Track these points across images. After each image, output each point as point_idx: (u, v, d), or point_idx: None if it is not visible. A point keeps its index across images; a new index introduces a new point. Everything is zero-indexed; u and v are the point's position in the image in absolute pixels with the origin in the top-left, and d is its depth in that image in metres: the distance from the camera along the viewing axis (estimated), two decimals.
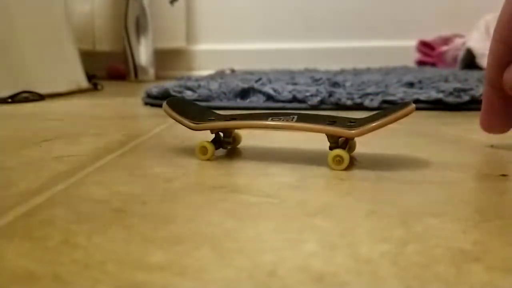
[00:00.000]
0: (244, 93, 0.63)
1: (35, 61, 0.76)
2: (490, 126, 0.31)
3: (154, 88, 0.66)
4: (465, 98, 0.56)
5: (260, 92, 0.62)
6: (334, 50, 1.42)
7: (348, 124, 0.29)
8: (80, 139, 0.38)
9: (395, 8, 1.41)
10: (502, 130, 0.32)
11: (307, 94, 0.60)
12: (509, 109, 0.30)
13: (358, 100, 0.58)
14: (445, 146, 0.35)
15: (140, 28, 1.30)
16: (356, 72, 0.93)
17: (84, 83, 0.90)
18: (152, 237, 0.17)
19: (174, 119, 0.31)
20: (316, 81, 0.69)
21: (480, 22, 1.09)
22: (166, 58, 1.46)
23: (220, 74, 0.96)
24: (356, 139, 0.30)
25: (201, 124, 0.30)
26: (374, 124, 0.27)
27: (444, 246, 0.16)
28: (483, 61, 1.03)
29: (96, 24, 1.35)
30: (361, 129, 0.27)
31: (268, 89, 0.62)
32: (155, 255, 0.16)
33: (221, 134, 0.32)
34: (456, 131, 0.42)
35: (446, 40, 1.24)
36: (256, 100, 0.62)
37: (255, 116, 0.33)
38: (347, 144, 0.29)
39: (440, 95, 0.57)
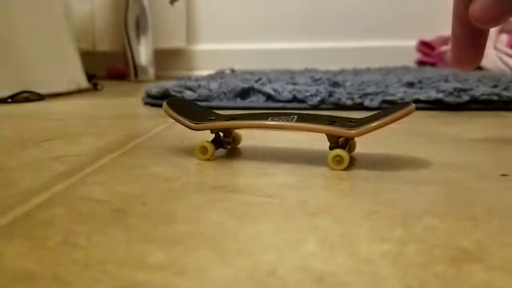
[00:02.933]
0: (244, 93, 0.63)
1: (35, 61, 0.76)
2: (460, 62, 0.31)
3: (154, 88, 0.65)
4: (465, 98, 0.56)
5: (260, 92, 0.62)
6: (334, 50, 1.42)
7: (348, 124, 0.29)
8: (80, 139, 0.38)
9: (395, 8, 1.41)
10: (472, 64, 0.31)
11: (307, 94, 0.60)
12: (476, 43, 0.30)
13: (358, 100, 0.58)
14: (445, 146, 0.35)
15: (140, 28, 1.30)
16: (356, 72, 0.93)
17: (84, 83, 0.90)
18: (152, 237, 0.17)
19: (174, 119, 0.31)
20: (316, 81, 0.69)
21: None
22: (166, 58, 1.46)
23: (220, 74, 0.96)
24: (356, 139, 0.30)
25: (201, 124, 0.30)
26: (374, 124, 0.27)
27: (444, 246, 0.16)
28: (483, 61, 1.03)
29: (96, 24, 1.35)
30: (361, 129, 0.27)
31: (268, 89, 0.62)
32: (155, 255, 0.16)
33: (221, 134, 0.32)
34: (456, 131, 0.42)
35: (446, 40, 1.24)
36: (256, 100, 0.62)
37: (255, 116, 0.33)
38: (347, 144, 0.29)
39: (440, 95, 0.57)
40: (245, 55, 1.45)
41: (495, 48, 1.04)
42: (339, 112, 0.54)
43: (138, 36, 1.30)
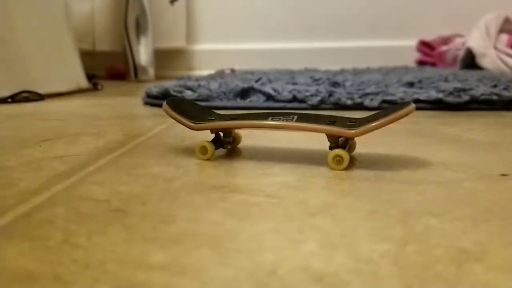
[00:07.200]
0: (244, 93, 0.63)
1: (35, 61, 0.76)
2: None
3: (154, 88, 0.65)
4: (465, 97, 0.56)
5: (260, 92, 0.62)
6: (334, 50, 1.42)
7: (348, 124, 0.29)
8: (80, 139, 0.38)
9: (395, 8, 1.41)
10: None
11: (307, 94, 0.60)
12: None
13: (358, 100, 0.58)
14: (445, 146, 0.35)
15: (140, 28, 1.30)
16: (356, 72, 0.93)
17: (84, 83, 0.90)
18: (152, 237, 0.17)
19: (174, 119, 0.31)
20: (316, 81, 0.69)
21: (480, 22, 1.09)
22: (166, 58, 1.46)
23: (220, 74, 0.95)
24: (356, 139, 0.30)
25: (201, 124, 0.30)
26: (374, 124, 0.27)
27: (444, 246, 0.16)
28: (483, 61, 1.03)
29: (96, 24, 1.35)
30: (361, 129, 0.27)
31: (268, 89, 0.62)
32: (155, 255, 0.16)
33: (221, 134, 0.32)
34: (456, 131, 0.42)
35: (446, 40, 1.24)
36: (256, 100, 0.62)
37: (255, 116, 0.33)
38: (347, 144, 0.29)
39: (440, 95, 0.57)
40: (245, 55, 1.45)
41: (495, 48, 1.03)
42: (339, 112, 0.54)
43: (138, 36, 1.30)
